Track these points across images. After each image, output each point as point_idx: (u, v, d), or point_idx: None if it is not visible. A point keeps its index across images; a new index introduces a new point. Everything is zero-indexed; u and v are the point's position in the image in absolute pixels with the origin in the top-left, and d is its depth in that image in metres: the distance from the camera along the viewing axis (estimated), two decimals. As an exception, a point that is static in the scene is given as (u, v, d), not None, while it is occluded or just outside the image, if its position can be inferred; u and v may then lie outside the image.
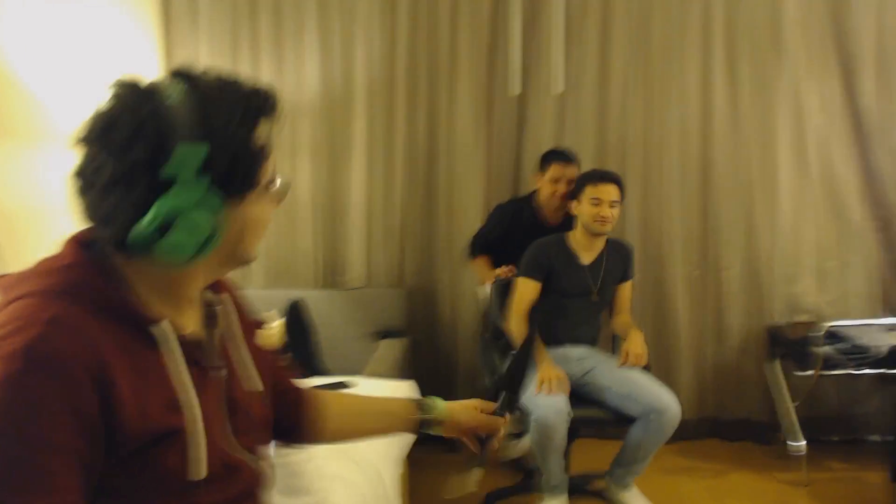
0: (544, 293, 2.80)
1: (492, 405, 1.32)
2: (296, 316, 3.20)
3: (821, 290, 3.41)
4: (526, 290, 2.79)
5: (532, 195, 3.15)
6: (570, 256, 2.82)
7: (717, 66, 3.37)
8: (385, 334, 3.32)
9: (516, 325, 2.78)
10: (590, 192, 2.72)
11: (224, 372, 0.99)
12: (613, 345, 3.01)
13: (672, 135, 3.44)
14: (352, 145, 3.51)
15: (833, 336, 3.11)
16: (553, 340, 2.80)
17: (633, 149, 3.45)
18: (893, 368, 3.06)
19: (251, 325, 1.12)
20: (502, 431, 1.32)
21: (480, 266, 3.20)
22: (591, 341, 2.92)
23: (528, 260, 2.83)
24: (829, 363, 3.04)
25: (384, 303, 3.43)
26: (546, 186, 3.02)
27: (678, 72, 3.40)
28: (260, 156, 0.92)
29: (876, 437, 3.31)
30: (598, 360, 2.78)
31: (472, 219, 3.44)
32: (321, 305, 3.34)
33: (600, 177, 2.76)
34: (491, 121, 3.51)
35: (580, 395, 2.65)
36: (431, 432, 1.30)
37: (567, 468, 2.66)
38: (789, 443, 3.14)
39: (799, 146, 3.39)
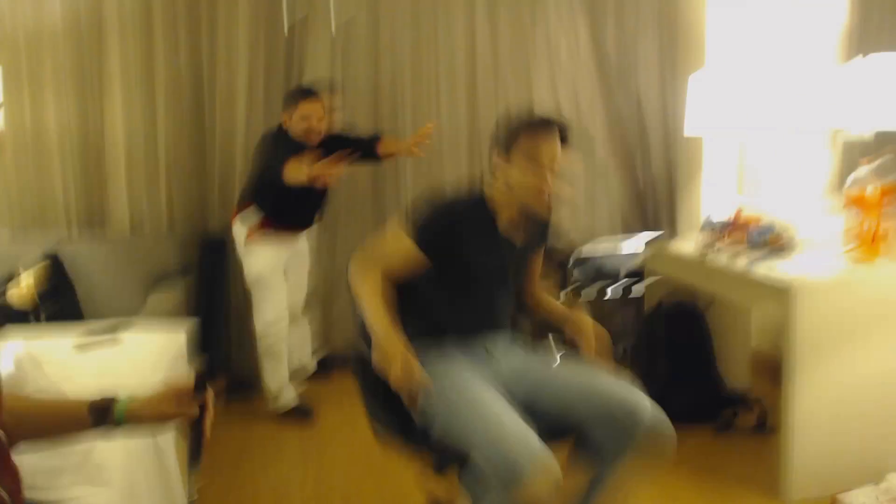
0: (448, 274, 1.95)
1: (188, 386, 1.09)
2: (52, 270, 2.92)
3: (573, 221, 3.76)
4: (399, 249, 1.91)
5: (283, 130, 2.98)
6: (489, 222, 1.98)
7: (480, 9, 3.53)
8: (161, 280, 3.15)
9: (367, 278, 1.88)
10: (526, 147, 1.86)
11: None
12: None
13: (440, 75, 3.56)
14: (105, 79, 3.24)
15: (583, 262, 3.50)
16: (465, 331, 1.96)
17: (404, 86, 3.53)
18: (632, 287, 3.50)
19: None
20: (207, 420, 1.09)
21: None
22: (507, 330, 2.06)
23: (426, 222, 1.93)
24: (580, 285, 3.42)
25: (156, 248, 3.24)
26: (298, 124, 2.90)
27: (444, 13, 3.51)
28: None
29: (621, 348, 3.77)
30: (523, 356, 2.00)
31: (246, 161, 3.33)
32: (84, 255, 3.07)
33: (543, 125, 1.89)
34: (261, 55, 3.40)
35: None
36: (127, 433, 1.11)
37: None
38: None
39: (552, 89, 3.67)
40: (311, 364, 3.44)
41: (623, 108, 3.74)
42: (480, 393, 1.75)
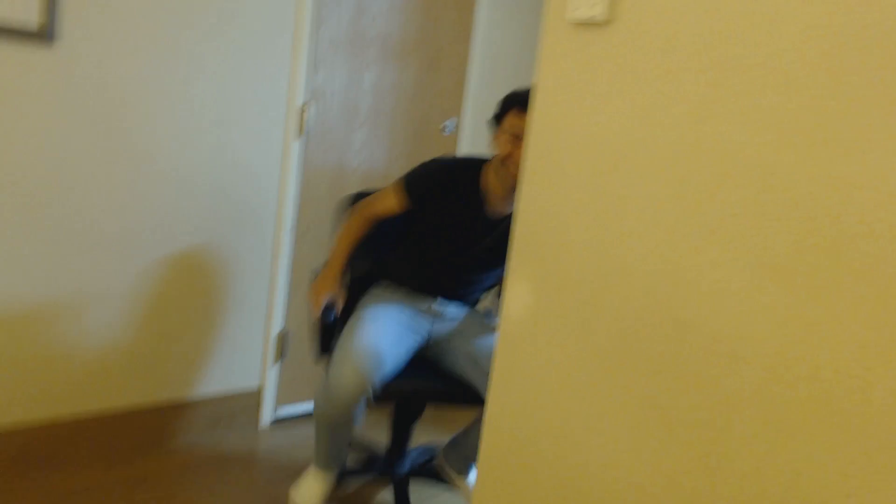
0: (421, 232, 2.18)
1: None
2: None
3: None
4: (388, 199, 2.14)
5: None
6: (472, 192, 2.12)
7: None
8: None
9: (347, 225, 2.17)
10: (505, 120, 2.02)
11: None
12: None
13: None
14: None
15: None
16: (417, 288, 2.19)
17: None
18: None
19: None
20: None
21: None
22: (463, 301, 2.25)
23: (417, 174, 2.14)
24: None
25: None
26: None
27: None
28: None
29: None
30: (467, 323, 2.18)
31: None
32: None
33: (513, 98, 2.02)
34: None
35: (433, 360, 2.18)
36: None
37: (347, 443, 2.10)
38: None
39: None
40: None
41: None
42: (373, 322, 2.02)
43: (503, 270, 2.14)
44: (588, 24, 1.29)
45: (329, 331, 2.16)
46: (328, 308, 2.09)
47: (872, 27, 0.96)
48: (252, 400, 2.75)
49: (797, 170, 1.04)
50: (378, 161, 2.87)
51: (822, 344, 1.03)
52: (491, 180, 2.10)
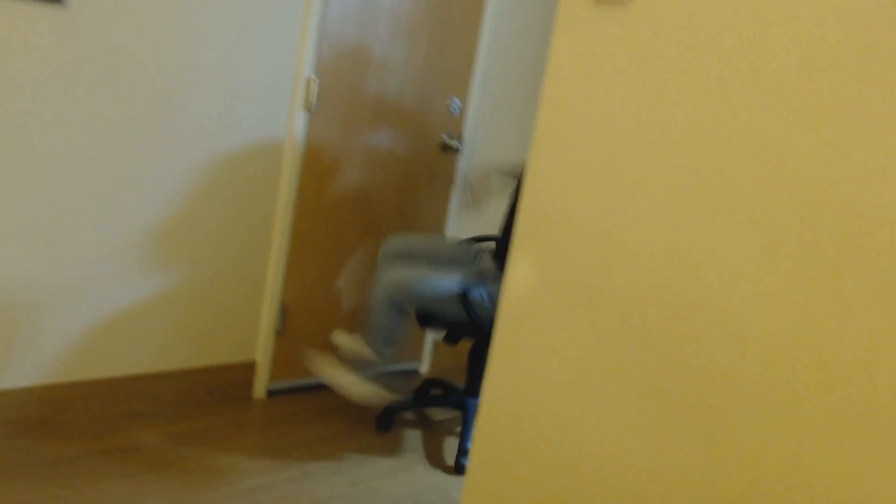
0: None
1: None
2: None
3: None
4: None
5: None
6: None
7: None
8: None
9: None
10: None
11: None
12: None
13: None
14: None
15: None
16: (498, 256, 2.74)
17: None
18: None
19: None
20: None
21: None
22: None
23: None
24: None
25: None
26: None
27: None
28: None
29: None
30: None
31: None
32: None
33: None
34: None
35: None
36: None
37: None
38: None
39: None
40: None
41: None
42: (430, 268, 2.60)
43: None
44: (607, 2, 1.28)
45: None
46: None
47: (896, 12, 0.96)
48: (248, 372, 2.75)
49: (813, 153, 1.04)
50: (384, 138, 2.86)
51: (829, 329, 1.03)
52: None
